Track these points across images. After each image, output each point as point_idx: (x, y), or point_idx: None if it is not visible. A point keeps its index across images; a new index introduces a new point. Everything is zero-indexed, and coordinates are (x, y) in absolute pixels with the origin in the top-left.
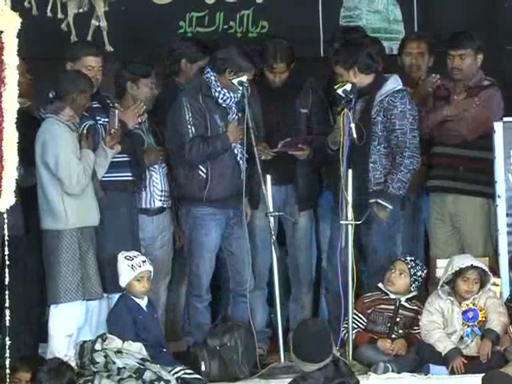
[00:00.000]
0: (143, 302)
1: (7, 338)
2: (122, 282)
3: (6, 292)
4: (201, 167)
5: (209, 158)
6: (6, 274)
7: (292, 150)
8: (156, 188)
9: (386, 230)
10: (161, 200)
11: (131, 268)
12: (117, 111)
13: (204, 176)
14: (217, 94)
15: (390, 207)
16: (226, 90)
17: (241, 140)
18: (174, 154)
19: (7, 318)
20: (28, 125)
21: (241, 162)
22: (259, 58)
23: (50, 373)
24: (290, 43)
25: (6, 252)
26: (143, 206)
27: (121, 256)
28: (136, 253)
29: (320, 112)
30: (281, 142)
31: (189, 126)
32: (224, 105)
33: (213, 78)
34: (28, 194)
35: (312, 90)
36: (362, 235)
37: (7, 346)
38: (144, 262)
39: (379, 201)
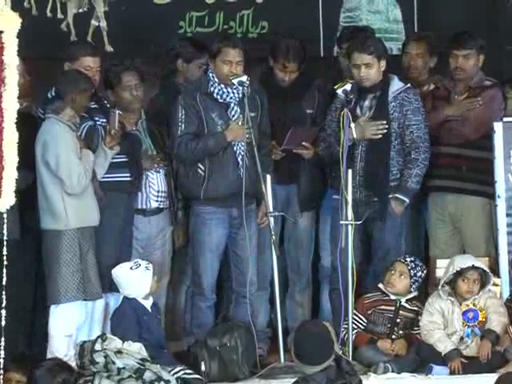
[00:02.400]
0: (148, 303)
1: (2, 339)
2: (146, 288)
3: (3, 292)
4: (200, 165)
5: (201, 156)
6: (4, 275)
7: (297, 149)
8: (152, 189)
9: (398, 228)
10: (157, 201)
11: (147, 269)
12: (117, 112)
13: (202, 174)
14: (212, 88)
15: (408, 201)
16: (223, 86)
17: (245, 139)
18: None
19: (3, 318)
20: (26, 125)
21: (240, 160)
22: (270, 56)
23: (43, 372)
24: (302, 43)
25: (5, 252)
26: (139, 206)
27: (123, 269)
28: (131, 262)
29: (326, 113)
30: (285, 140)
31: (179, 124)
32: (221, 100)
33: (211, 74)
34: (24, 195)
35: (319, 90)
36: (373, 233)
37: (2, 347)
38: (143, 261)
39: (398, 195)
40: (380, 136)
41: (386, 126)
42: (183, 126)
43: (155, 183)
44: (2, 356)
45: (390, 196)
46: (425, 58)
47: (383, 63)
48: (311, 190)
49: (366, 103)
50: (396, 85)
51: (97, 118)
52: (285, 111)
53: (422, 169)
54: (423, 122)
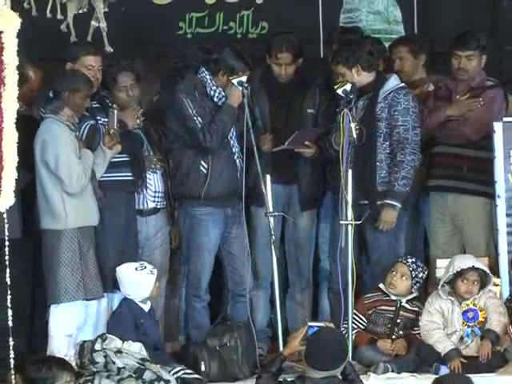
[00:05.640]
0: (146, 307)
1: (11, 339)
2: (146, 291)
3: (9, 292)
4: (202, 163)
5: (225, 135)
6: (7, 275)
7: (299, 148)
8: (149, 189)
9: (391, 232)
10: (154, 201)
11: (151, 273)
12: (116, 111)
13: (205, 172)
14: (212, 92)
15: (399, 205)
16: (221, 89)
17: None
18: (175, 154)
19: (10, 318)
20: (27, 126)
21: (238, 160)
22: (266, 53)
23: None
24: (297, 38)
25: (7, 251)
26: (136, 206)
27: (128, 269)
28: (137, 262)
29: (327, 113)
30: (288, 140)
31: (195, 118)
32: (219, 103)
33: (207, 77)
34: (24, 194)
35: (320, 90)
36: (367, 234)
37: (11, 347)
38: (149, 264)
39: (387, 201)
40: (362, 143)
41: (364, 134)
42: (199, 118)
43: (152, 183)
44: (12, 356)
45: (379, 203)
46: (409, 60)
47: (354, 71)
48: (312, 190)
49: (360, 104)
50: (390, 84)
51: (98, 118)
52: (286, 111)
53: (409, 170)
54: (412, 123)
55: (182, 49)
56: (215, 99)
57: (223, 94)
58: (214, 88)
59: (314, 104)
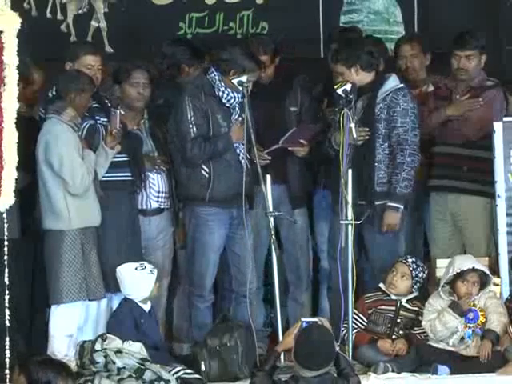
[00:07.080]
0: (146, 307)
1: (7, 339)
2: (146, 291)
3: (7, 292)
4: (204, 167)
5: (210, 158)
6: (6, 275)
7: (293, 146)
8: (153, 189)
9: (390, 232)
10: (158, 201)
11: (151, 273)
12: (118, 112)
13: (207, 176)
14: (220, 93)
15: (402, 207)
16: (229, 90)
17: (243, 140)
18: (176, 154)
19: (7, 318)
20: (27, 127)
21: (243, 161)
22: None
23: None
24: (273, 39)
25: (6, 252)
26: (139, 206)
27: (128, 269)
28: (137, 262)
29: (310, 110)
30: (283, 138)
31: (190, 126)
32: (228, 104)
33: (217, 77)
34: (23, 195)
35: (301, 87)
36: (365, 234)
37: (7, 346)
38: (149, 264)
39: (389, 203)
40: (361, 142)
41: (369, 133)
42: (195, 128)
43: (156, 184)
44: (8, 356)
45: (378, 203)
46: (420, 58)
47: (353, 70)
48: (301, 187)
49: (359, 104)
50: (389, 84)
51: (98, 117)
52: (269, 110)
53: (409, 172)
54: (411, 124)
55: (164, 50)
56: (223, 100)
57: (232, 95)
58: (223, 89)
59: (296, 102)
